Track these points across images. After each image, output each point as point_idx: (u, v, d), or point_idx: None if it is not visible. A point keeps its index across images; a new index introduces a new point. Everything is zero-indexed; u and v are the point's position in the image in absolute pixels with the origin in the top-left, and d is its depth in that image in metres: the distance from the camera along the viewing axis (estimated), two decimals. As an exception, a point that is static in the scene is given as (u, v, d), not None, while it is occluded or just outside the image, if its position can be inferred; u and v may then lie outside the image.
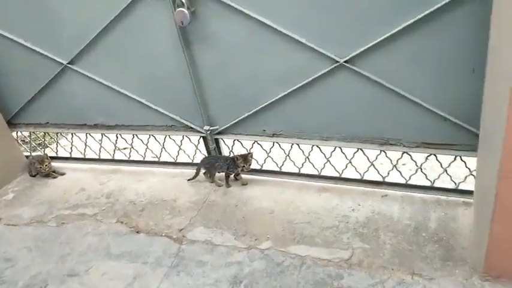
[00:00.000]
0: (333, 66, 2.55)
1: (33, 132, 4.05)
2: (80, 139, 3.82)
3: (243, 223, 2.85)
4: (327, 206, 2.88)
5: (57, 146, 3.96)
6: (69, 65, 3.27)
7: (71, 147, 3.90)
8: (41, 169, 3.67)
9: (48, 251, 2.88)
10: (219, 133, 3.21)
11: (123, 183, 3.53)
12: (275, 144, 3.12)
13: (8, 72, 3.52)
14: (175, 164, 3.58)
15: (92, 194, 3.45)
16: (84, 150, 3.85)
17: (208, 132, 3.17)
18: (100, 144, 3.74)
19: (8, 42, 3.32)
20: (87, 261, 2.73)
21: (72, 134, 3.79)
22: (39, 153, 4.04)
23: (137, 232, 2.93)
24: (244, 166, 3.10)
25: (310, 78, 2.66)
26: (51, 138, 4.34)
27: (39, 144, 4.27)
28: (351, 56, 2.48)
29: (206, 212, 3.01)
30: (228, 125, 3.13)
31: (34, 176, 3.81)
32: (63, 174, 3.79)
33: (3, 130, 3.70)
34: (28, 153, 4.07)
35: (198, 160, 3.46)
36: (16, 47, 3.33)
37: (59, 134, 4.05)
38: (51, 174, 3.76)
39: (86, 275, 2.62)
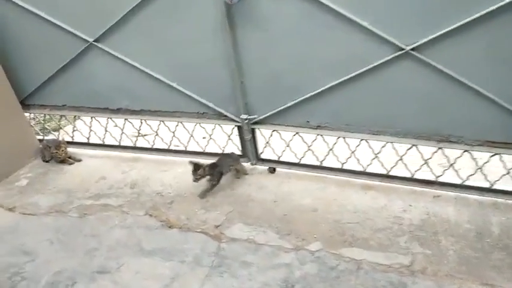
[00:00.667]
0: (397, 54, 2.34)
1: (49, 115, 3.76)
2: (100, 123, 3.55)
3: (285, 221, 2.64)
4: (375, 206, 2.68)
5: (73, 130, 3.68)
6: (94, 43, 3.00)
7: (89, 132, 3.62)
8: (57, 154, 3.41)
9: (71, 244, 2.64)
10: (257, 123, 2.98)
11: (146, 173, 3.29)
12: (318, 137, 2.89)
13: (26, 48, 3.24)
14: (202, 154, 3.34)
15: (114, 183, 3.20)
16: (104, 135, 3.58)
17: (246, 121, 2.94)
18: (122, 130, 3.48)
19: (28, 14, 3.05)
20: (117, 257, 2.49)
21: (91, 118, 3.51)
22: (53, 137, 3.76)
23: (169, 227, 2.70)
24: None
25: (368, 67, 2.45)
26: (60, 121, 4.04)
27: (53, 129, 3.98)
28: (418, 43, 2.27)
29: (243, 208, 2.79)
30: (268, 114, 2.90)
31: (48, 161, 3.55)
32: (79, 160, 3.54)
33: (16, 111, 3.42)
34: (41, 137, 3.78)
35: (229, 150, 3.23)
36: (36, 21, 3.06)
37: (74, 117, 3.77)
38: (67, 160, 3.50)
39: (118, 272, 2.40)
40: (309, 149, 2.98)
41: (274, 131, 3.01)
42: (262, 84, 2.81)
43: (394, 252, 2.32)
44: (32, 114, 3.75)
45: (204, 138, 3.42)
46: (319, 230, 2.53)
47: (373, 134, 2.70)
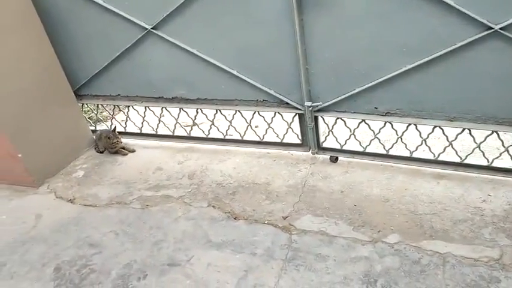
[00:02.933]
0: (484, 33, 2.18)
1: (101, 105, 3.72)
2: (154, 113, 3.49)
3: (357, 212, 2.52)
4: (451, 196, 2.54)
5: (126, 121, 3.64)
6: (152, 30, 2.91)
7: (142, 122, 3.57)
8: (111, 145, 3.37)
9: (137, 236, 2.59)
10: (320, 110, 2.86)
11: (203, 163, 3.23)
12: (386, 124, 2.75)
13: (80, 37, 3.19)
14: (260, 143, 3.25)
15: (171, 174, 3.14)
16: (157, 125, 3.53)
17: (309, 108, 2.82)
18: (176, 119, 3.41)
19: (83, 2, 2.97)
20: (186, 249, 2.43)
21: (145, 107, 3.45)
22: (106, 127, 3.73)
23: (235, 218, 2.62)
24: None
25: (449, 48, 2.29)
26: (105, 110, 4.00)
27: (105, 119, 3.96)
28: (509, 21, 2.10)
29: (309, 198, 2.69)
30: (333, 101, 2.78)
31: (102, 152, 3.51)
32: (133, 151, 3.50)
33: (70, 101, 3.40)
34: (93, 128, 3.76)
35: (288, 140, 3.13)
36: (92, 8, 2.99)
37: (121, 107, 3.73)
38: (121, 150, 3.45)
39: (189, 265, 2.33)
40: (376, 137, 2.84)
41: (338, 118, 2.88)
42: (328, 70, 2.68)
43: (479, 245, 2.19)
44: (85, 104, 3.71)
45: (256, 127, 3.33)
46: (395, 221, 2.41)
47: (449, 120, 2.55)
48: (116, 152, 3.47)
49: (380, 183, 2.73)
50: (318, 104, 2.81)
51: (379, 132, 2.82)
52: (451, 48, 2.28)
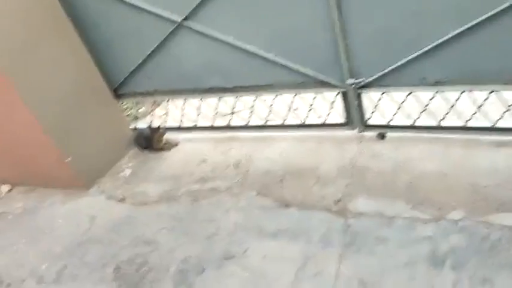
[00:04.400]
0: (543, -15, 1.97)
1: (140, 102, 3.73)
2: (193, 106, 3.46)
3: (414, 190, 2.41)
4: (515, 164, 2.37)
5: (166, 116, 3.63)
6: (184, 22, 2.85)
7: (182, 116, 3.55)
8: (155, 142, 3.37)
9: (189, 231, 2.59)
10: (364, 86, 2.73)
11: (247, 152, 3.17)
12: (436, 94, 2.60)
13: (113, 37, 3.18)
14: (302, 126, 3.16)
15: (216, 165, 3.11)
16: (197, 117, 3.50)
17: (352, 86, 2.70)
18: (215, 110, 3.37)
19: (112, 2, 2.94)
20: (240, 241, 2.41)
21: (184, 100, 3.42)
22: (146, 124, 3.74)
23: (286, 206, 2.56)
24: None
25: (504, 6, 2.09)
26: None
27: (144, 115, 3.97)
28: None
29: (361, 179, 2.59)
30: (376, 76, 2.65)
31: (145, 148, 3.52)
32: (176, 145, 3.48)
33: (111, 102, 3.42)
34: (133, 126, 3.78)
35: (331, 120, 3.03)
36: (121, 7, 2.96)
37: (159, 102, 3.72)
38: (164, 146, 3.45)
39: (244, 257, 2.31)
40: (425, 109, 2.69)
41: (383, 93, 2.75)
42: (369, 44, 2.55)
43: (553, 215, 2.03)
44: (123, 102, 3.73)
45: (295, 109, 3.24)
46: (456, 196, 2.29)
47: (506, 84, 2.37)
48: (161, 149, 3.45)
49: (434, 158, 2.59)
50: (361, 80, 2.69)
51: (429, 103, 2.66)
52: (505, 5, 2.09)
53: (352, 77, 2.70)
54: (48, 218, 3.03)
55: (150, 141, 3.42)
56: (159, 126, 3.43)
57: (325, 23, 2.53)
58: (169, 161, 3.34)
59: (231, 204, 2.69)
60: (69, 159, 3.00)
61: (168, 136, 3.57)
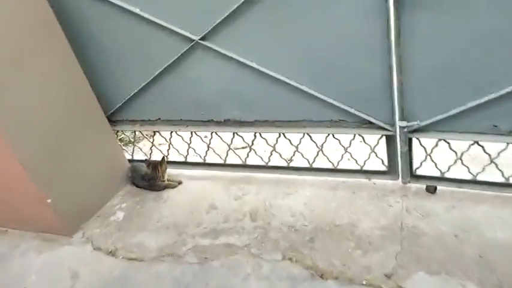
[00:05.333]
0: None
1: (139, 132, 3.19)
2: (202, 139, 2.96)
3: (486, 266, 1.92)
4: None
5: (169, 148, 3.11)
6: (201, 42, 2.36)
7: (187, 150, 3.04)
8: (159, 179, 2.84)
9: (199, 304, 2.03)
10: (416, 131, 2.25)
11: (265, 198, 2.67)
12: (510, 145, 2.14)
13: (114, 54, 2.68)
14: (333, 171, 2.66)
15: (229, 213, 2.59)
16: (206, 153, 2.98)
17: (404, 129, 2.22)
18: (229, 146, 2.87)
19: (116, 12, 2.46)
20: (266, 325, 1.86)
21: (191, 133, 2.91)
22: (140, 155, 3.21)
23: (321, 277, 2.04)
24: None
25: None
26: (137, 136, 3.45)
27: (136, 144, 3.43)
28: None
29: (415, 247, 2.09)
30: (434, 119, 2.18)
31: (144, 186, 2.98)
32: (180, 183, 2.95)
33: (103, 129, 2.89)
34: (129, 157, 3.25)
35: (368, 167, 2.55)
36: (126, 18, 2.47)
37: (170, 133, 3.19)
38: (167, 185, 2.91)
39: None
40: (492, 162, 2.22)
41: (440, 140, 2.27)
42: (429, 80, 2.10)
43: None
44: (120, 132, 3.20)
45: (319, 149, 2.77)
46: (544, 281, 1.79)
47: None
48: (163, 187, 2.91)
49: (505, 223, 2.11)
50: (415, 123, 2.21)
51: (497, 156, 2.19)
52: None
53: (403, 119, 2.23)
54: (19, 271, 2.45)
55: (150, 177, 2.87)
56: (163, 159, 2.89)
57: (377, 51, 2.08)
58: (171, 204, 2.80)
59: (250, 270, 2.16)
60: (49, 200, 2.43)
61: (171, 171, 3.05)
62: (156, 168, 2.82)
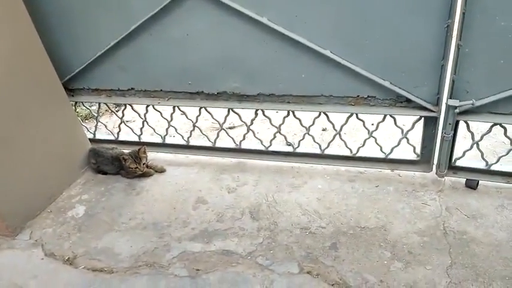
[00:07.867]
0: None
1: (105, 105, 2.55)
2: (187, 116, 2.37)
3: None
4: None
5: (142, 126, 2.50)
6: (196, -14, 1.78)
7: (167, 129, 2.45)
8: (137, 170, 2.25)
9: (192, 335, 1.50)
10: (467, 112, 1.80)
11: (267, 191, 2.16)
12: None
13: (76, 5, 2.01)
14: (349, 159, 2.18)
15: (222, 210, 2.06)
16: (190, 133, 2.42)
17: (454, 109, 1.76)
18: (220, 125, 2.31)
19: None
20: None
21: (174, 107, 2.32)
22: (106, 134, 2.59)
23: (354, 297, 1.56)
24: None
25: None
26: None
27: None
28: None
29: (467, 257, 1.68)
30: (492, 99, 1.73)
31: (106, 173, 2.38)
32: (162, 171, 2.36)
33: (58, 98, 2.25)
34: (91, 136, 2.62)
35: (395, 156, 2.09)
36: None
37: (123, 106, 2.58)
38: (145, 171, 2.33)
39: None
40: (555, 153, 1.81)
41: (495, 124, 1.83)
42: (494, 50, 1.67)
43: None
44: (80, 103, 2.55)
45: (324, 130, 2.31)
46: None
47: None
48: (141, 174, 2.32)
49: None
50: (469, 102, 1.75)
51: None
52: None
53: (453, 96, 1.76)
54: None
55: (123, 161, 2.27)
56: (143, 151, 2.29)
57: (430, 7, 1.58)
58: (147, 196, 2.23)
59: (259, 287, 1.64)
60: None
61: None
62: (137, 158, 2.23)
